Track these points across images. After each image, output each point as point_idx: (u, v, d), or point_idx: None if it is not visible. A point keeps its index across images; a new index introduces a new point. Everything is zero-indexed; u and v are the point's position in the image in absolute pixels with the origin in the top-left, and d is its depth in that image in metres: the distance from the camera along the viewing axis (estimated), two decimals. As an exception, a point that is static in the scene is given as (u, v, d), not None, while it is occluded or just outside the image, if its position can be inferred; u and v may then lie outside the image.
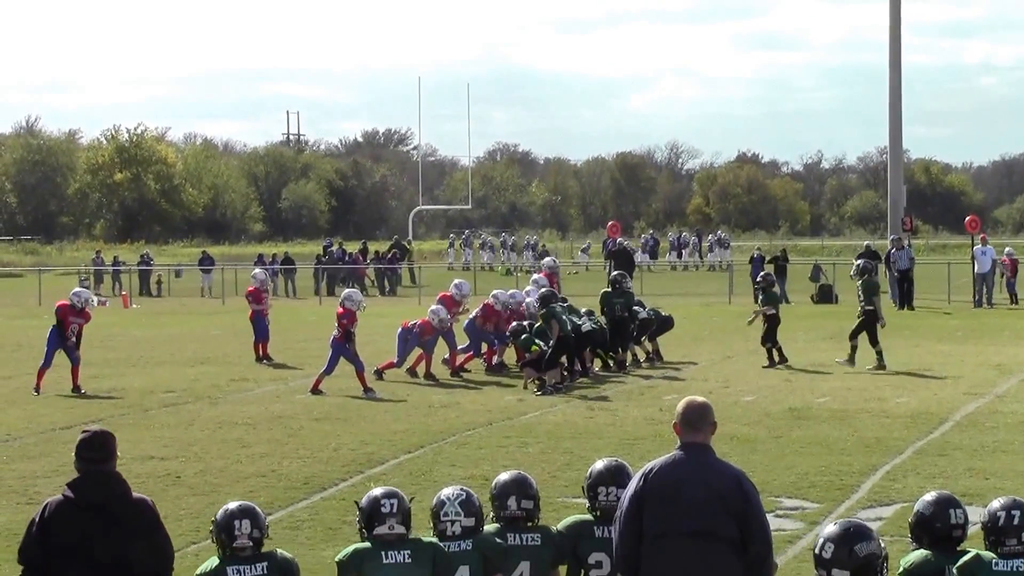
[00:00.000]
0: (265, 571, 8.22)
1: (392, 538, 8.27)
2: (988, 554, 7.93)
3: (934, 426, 20.17)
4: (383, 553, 8.23)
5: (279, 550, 8.64)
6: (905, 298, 42.71)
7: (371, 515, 8.32)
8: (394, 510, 8.32)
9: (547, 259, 36.47)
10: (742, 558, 7.97)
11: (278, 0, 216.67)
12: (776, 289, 28.63)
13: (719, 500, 7.94)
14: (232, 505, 8.46)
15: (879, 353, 27.12)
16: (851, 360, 27.26)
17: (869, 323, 27.35)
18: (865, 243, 52.52)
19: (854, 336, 27.49)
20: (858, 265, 28.68)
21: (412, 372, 26.59)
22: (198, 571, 8.26)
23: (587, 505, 8.87)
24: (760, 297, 28.54)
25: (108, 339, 34.25)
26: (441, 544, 8.43)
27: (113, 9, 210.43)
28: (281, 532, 14.08)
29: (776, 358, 27.40)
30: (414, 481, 15.91)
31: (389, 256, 62.53)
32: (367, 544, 8.32)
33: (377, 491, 8.50)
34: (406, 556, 8.23)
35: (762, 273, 29.17)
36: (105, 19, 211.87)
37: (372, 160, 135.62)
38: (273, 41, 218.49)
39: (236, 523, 8.24)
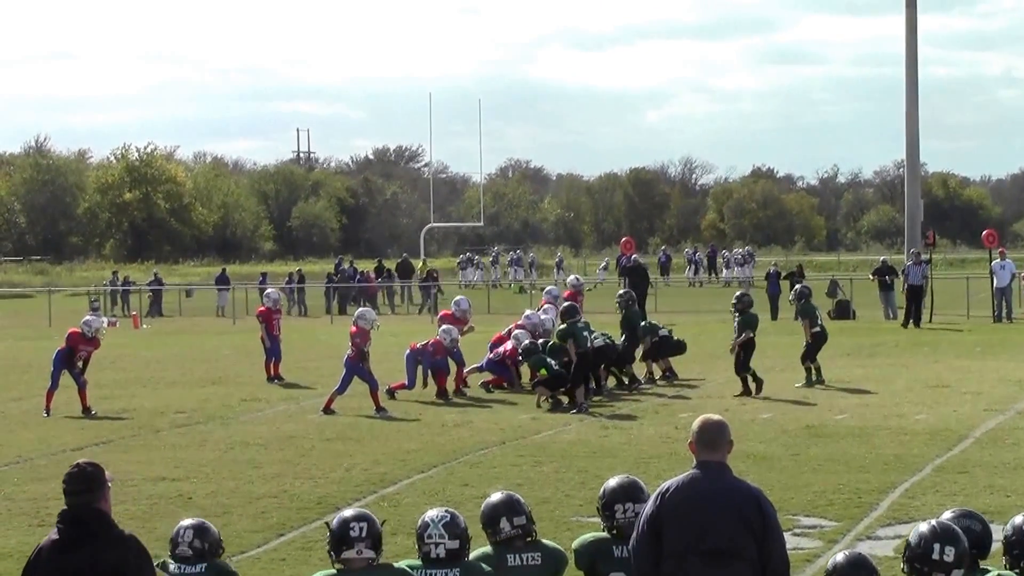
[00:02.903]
0: (203, 570, 8.66)
1: (361, 564, 8.05)
2: (1009, 574, 7.80)
3: (954, 443, 19.98)
4: None
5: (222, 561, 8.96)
6: (912, 315, 42.14)
7: (340, 538, 8.09)
8: (363, 534, 8.09)
9: (571, 277, 36.31)
10: None
11: (287, 18, 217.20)
12: (754, 310, 27.14)
13: (737, 519, 7.89)
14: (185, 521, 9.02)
15: (817, 369, 27.09)
16: (814, 380, 27.00)
17: (819, 345, 27.25)
18: (881, 258, 52.30)
19: (806, 359, 27.21)
20: (796, 290, 28.76)
21: (442, 392, 26.37)
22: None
23: (603, 524, 8.75)
24: (736, 319, 26.47)
25: (118, 359, 34.18)
26: (427, 568, 8.25)
27: (121, 29, 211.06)
28: (294, 553, 14.01)
29: (752, 387, 25.80)
30: (427, 501, 15.73)
31: (425, 276, 62.42)
32: (332, 571, 8.12)
33: (347, 513, 8.28)
34: None
35: (737, 293, 28.13)
36: (113, 38, 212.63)
37: (383, 177, 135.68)
38: (282, 59, 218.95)
39: (181, 531, 8.90)
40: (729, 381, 28.04)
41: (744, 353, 25.81)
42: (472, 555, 8.53)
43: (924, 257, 45.50)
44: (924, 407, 23.70)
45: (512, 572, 8.48)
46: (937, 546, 7.49)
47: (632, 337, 27.83)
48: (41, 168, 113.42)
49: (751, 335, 25.80)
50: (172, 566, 8.68)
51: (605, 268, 79.81)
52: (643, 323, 29.03)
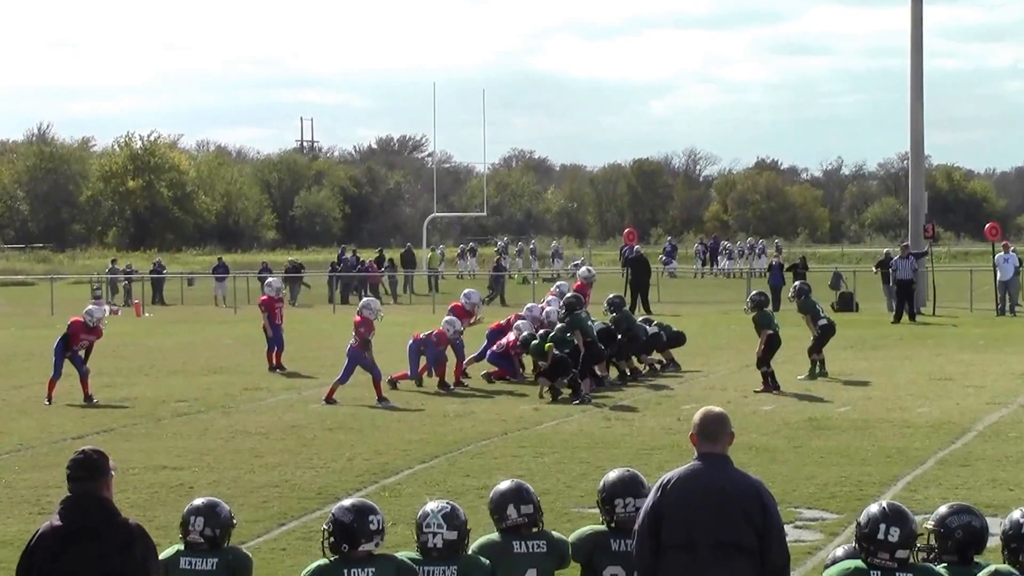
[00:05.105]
0: (215, 567, 8.55)
1: (361, 554, 8.04)
2: (1006, 567, 7.80)
3: (956, 436, 19.95)
4: (345, 570, 8.00)
5: (236, 547, 8.89)
6: (906, 310, 41.77)
7: (358, 531, 8.04)
8: (380, 527, 8.13)
9: (582, 268, 36.29)
10: (760, 570, 7.91)
11: (292, 6, 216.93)
12: (769, 308, 26.94)
13: (739, 511, 7.90)
14: (197, 501, 8.86)
15: (820, 362, 27.06)
16: (817, 372, 26.93)
17: (826, 337, 27.24)
18: (885, 250, 52.19)
19: (813, 352, 27.09)
20: (795, 287, 28.83)
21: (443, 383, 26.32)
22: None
23: (602, 518, 8.74)
24: (753, 317, 26.09)
25: (120, 348, 34.11)
26: (425, 564, 8.25)
27: (125, 17, 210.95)
28: (295, 543, 13.98)
29: (770, 382, 25.29)
30: (428, 491, 15.70)
31: (496, 263, 62.14)
32: (325, 562, 8.09)
33: (357, 504, 8.24)
34: (370, 573, 8.01)
35: (753, 292, 27.94)
36: (117, 26, 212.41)
37: (386, 167, 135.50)
38: (288, 48, 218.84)
39: (192, 519, 8.67)
40: (731, 372, 28.05)
41: (766, 349, 25.41)
42: (479, 541, 8.57)
43: (923, 249, 45.41)
44: (927, 400, 23.65)
45: (517, 559, 8.49)
46: (883, 527, 7.71)
47: (630, 335, 27.61)
48: (44, 156, 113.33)
49: (769, 332, 25.50)
50: (183, 561, 8.59)
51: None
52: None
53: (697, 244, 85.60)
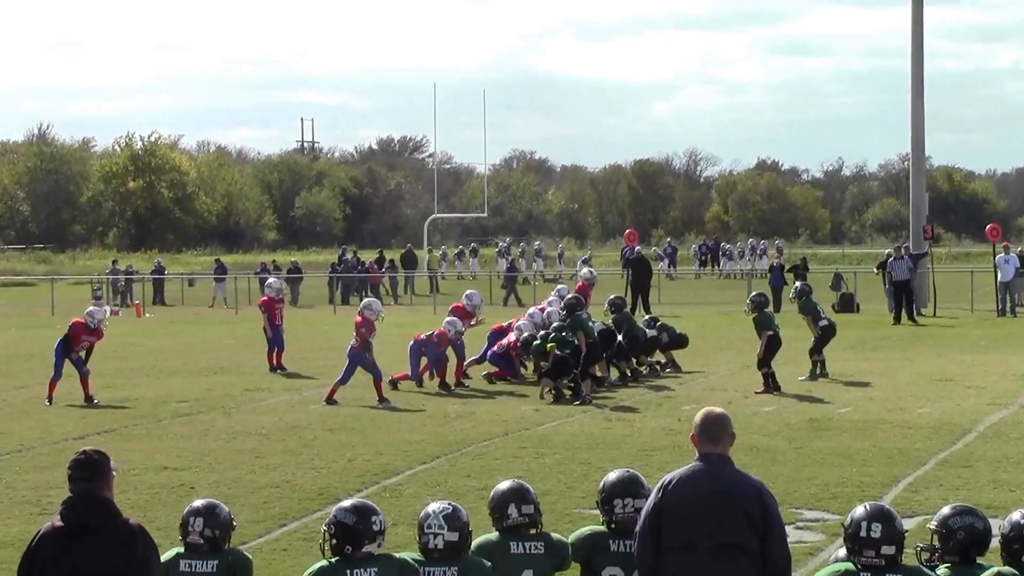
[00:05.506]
0: (215, 569, 8.56)
1: (363, 555, 8.06)
2: (1008, 570, 7.80)
3: (957, 437, 19.94)
4: (348, 571, 8.01)
5: (236, 548, 8.92)
6: (905, 310, 41.67)
7: (363, 532, 8.07)
8: (383, 527, 8.15)
9: (584, 270, 36.22)
10: (761, 571, 7.90)
11: (292, 6, 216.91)
12: (770, 309, 26.92)
13: (740, 512, 7.90)
14: (197, 503, 8.89)
15: (821, 363, 27.05)
16: (818, 373, 26.91)
17: (827, 338, 27.23)
18: (886, 251, 52.19)
19: (814, 353, 27.07)
20: (796, 288, 28.91)
21: (444, 384, 26.32)
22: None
23: (602, 519, 8.74)
24: (753, 318, 25.97)
25: (121, 349, 34.11)
26: (426, 565, 8.27)
27: (126, 17, 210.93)
28: (296, 544, 13.98)
29: (771, 383, 25.18)
30: (429, 492, 15.76)
31: (509, 264, 62.00)
32: (326, 563, 8.10)
33: (359, 505, 8.26)
34: (372, 574, 8.03)
35: (753, 294, 27.86)
36: (117, 26, 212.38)
37: (387, 168, 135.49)
38: (288, 48, 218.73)
39: (191, 520, 8.67)
40: (732, 373, 28.04)
41: (766, 350, 25.29)
42: (476, 541, 8.58)
43: (923, 250, 45.42)
44: (928, 401, 23.65)
45: (514, 560, 8.51)
46: (864, 524, 7.77)
47: (630, 336, 27.63)
48: (45, 156, 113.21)
49: (770, 333, 25.43)
50: (182, 563, 8.58)
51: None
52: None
53: (695, 246, 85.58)
